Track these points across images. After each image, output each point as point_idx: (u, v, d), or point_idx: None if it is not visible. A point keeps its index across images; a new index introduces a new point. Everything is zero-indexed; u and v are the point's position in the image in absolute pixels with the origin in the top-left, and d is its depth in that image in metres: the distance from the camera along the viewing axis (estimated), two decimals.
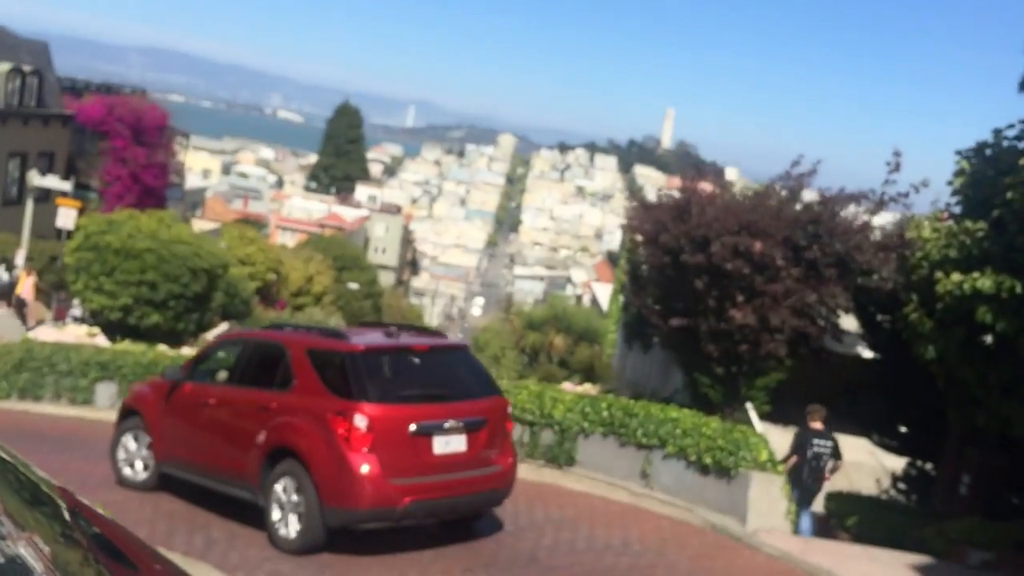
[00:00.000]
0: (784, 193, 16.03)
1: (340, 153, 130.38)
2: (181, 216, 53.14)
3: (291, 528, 8.75)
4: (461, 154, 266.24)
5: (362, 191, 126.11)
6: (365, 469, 8.42)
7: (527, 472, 12.62)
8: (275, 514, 8.86)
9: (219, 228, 55.95)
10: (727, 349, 15.64)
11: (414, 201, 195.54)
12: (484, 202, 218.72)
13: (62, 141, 44.62)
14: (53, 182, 31.14)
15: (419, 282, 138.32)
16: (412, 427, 8.65)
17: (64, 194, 31.15)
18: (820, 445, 12.53)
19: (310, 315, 45.39)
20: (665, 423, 11.77)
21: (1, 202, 40.04)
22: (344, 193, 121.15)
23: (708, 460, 11.21)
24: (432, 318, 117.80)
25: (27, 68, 40.93)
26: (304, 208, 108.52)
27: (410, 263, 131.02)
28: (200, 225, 56.42)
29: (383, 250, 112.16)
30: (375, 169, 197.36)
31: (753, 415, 17.26)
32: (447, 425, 8.83)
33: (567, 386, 14.00)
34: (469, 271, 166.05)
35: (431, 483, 8.75)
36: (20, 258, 33.86)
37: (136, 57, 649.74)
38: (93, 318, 28.83)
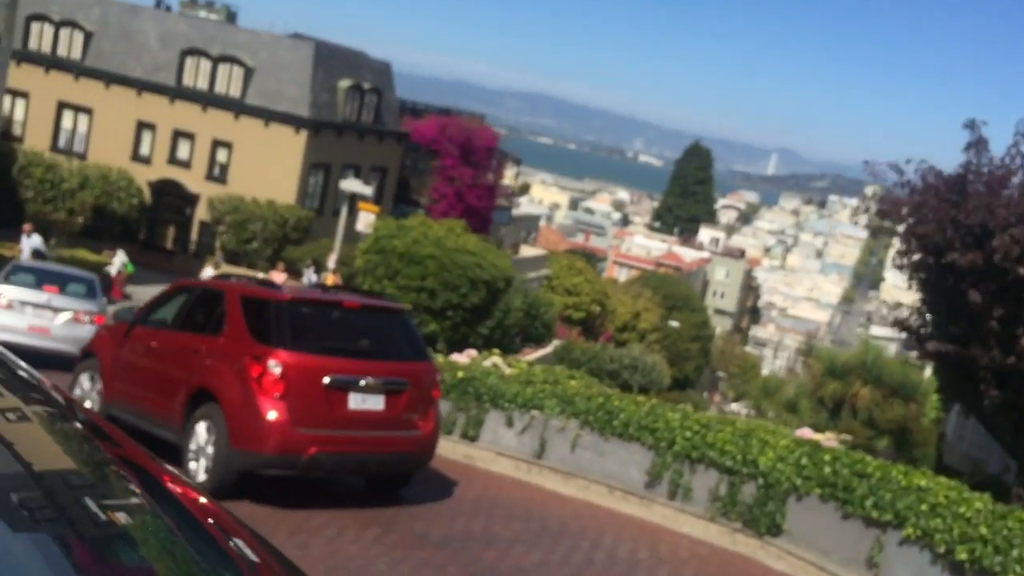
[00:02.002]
0: None
1: (687, 194, 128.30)
2: (509, 240, 53.77)
3: (201, 470, 8.62)
4: (822, 204, 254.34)
5: (706, 233, 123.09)
6: (273, 415, 8.34)
7: (716, 536, 9.52)
8: (191, 456, 8.76)
9: (545, 255, 55.99)
10: (1014, 395, 11.04)
11: (767, 250, 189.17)
12: (843, 255, 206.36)
13: (395, 157, 46.50)
14: (356, 186, 31.83)
15: (762, 332, 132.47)
16: (326, 379, 8.52)
17: (365, 198, 31.69)
18: None
19: (630, 350, 43.41)
20: (907, 493, 8.17)
21: (333, 211, 42.29)
22: (687, 234, 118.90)
23: (963, 555, 7.51)
24: (773, 371, 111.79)
25: (367, 86, 42.95)
26: (644, 246, 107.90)
27: (751, 311, 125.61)
28: (529, 251, 56.92)
29: (721, 294, 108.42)
30: (729, 215, 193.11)
31: None
32: (363, 382, 8.68)
33: (805, 432, 10.52)
34: (820, 326, 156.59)
35: (341, 436, 8.60)
36: (331, 261, 35.20)
37: (513, 101, 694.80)
38: None
